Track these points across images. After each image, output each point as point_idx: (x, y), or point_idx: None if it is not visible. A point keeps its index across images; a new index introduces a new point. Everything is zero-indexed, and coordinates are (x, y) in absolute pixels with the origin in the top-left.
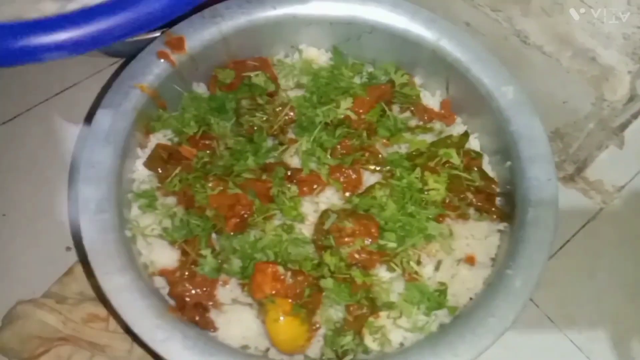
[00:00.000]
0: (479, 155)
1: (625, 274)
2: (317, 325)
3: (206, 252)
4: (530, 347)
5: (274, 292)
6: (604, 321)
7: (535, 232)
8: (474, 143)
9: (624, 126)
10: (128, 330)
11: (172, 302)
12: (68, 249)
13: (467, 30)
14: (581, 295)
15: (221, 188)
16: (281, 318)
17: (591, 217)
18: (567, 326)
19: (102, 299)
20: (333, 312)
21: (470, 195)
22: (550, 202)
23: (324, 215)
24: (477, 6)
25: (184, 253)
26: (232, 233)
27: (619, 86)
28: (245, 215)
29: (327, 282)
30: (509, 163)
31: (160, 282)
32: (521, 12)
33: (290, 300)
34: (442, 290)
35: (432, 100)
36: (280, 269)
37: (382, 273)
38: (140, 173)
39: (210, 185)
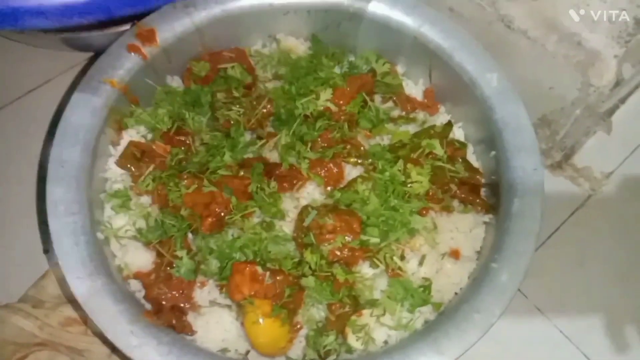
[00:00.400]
0: (463, 146)
1: (615, 262)
2: (299, 326)
3: (182, 253)
4: (519, 338)
5: (252, 293)
6: (594, 310)
7: (521, 223)
8: (458, 133)
9: (611, 111)
10: (103, 336)
11: (148, 305)
12: (46, 251)
13: (451, 16)
14: (571, 284)
15: (196, 186)
16: (260, 320)
17: (580, 205)
18: (556, 316)
19: (76, 303)
20: (315, 311)
21: (454, 187)
22: (536, 192)
23: (304, 211)
24: None
25: (159, 254)
26: (208, 233)
27: (605, 71)
28: (222, 214)
29: (309, 281)
30: (493, 152)
31: (136, 286)
32: None
33: (269, 301)
34: (426, 286)
35: (414, 89)
36: (259, 269)
37: (365, 269)
38: (113, 172)
39: (184, 183)
